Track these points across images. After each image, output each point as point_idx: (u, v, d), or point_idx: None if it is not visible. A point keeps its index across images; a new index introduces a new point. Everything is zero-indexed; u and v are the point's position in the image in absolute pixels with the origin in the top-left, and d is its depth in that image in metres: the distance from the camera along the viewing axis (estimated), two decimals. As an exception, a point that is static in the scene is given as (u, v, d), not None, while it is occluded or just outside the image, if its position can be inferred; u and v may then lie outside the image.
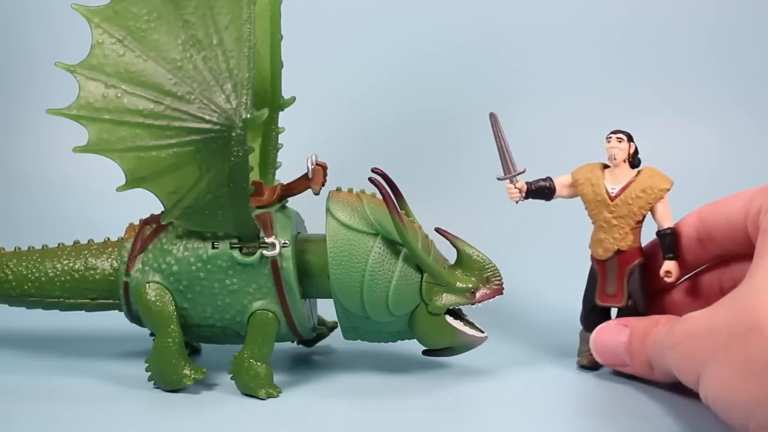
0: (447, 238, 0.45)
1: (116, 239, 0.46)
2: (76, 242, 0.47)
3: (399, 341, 0.45)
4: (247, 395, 0.42)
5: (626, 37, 0.76)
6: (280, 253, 0.42)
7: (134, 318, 0.45)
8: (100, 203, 0.67)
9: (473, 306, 0.44)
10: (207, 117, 0.40)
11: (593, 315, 0.47)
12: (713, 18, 0.76)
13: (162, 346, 0.42)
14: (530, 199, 0.48)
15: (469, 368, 0.47)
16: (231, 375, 0.42)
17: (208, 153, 0.40)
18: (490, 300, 0.44)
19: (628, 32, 0.76)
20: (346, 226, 0.43)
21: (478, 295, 0.44)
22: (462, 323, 0.44)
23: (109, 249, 0.46)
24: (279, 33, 0.47)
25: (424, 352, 0.46)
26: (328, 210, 0.43)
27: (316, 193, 0.44)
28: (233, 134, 0.39)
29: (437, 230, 0.45)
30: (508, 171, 0.47)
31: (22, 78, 0.76)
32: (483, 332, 0.44)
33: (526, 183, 0.47)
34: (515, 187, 0.47)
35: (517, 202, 0.48)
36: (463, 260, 0.44)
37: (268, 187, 0.45)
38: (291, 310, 0.43)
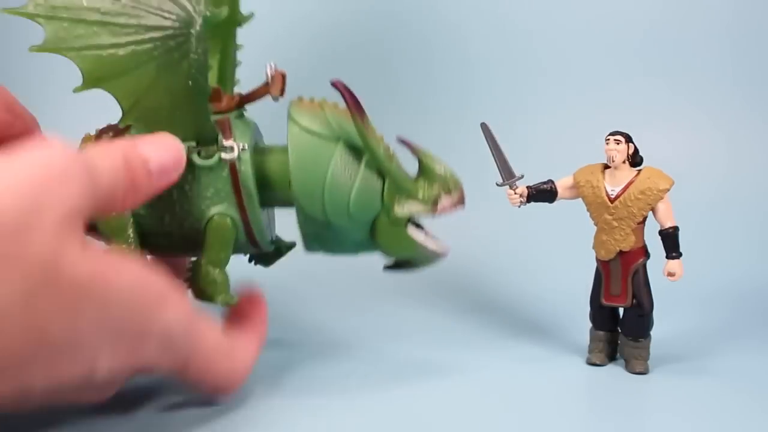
0: (409, 148, 0.46)
1: None
2: None
3: (361, 253, 0.47)
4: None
5: (631, 36, 0.78)
6: (238, 157, 0.43)
7: (90, 229, 0.44)
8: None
9: (434, 217, 0.45)
10: (166, 15, 0.40)
11: (601, 314, 0.50)
12: (717, 17, 0.78)
13: (118, 249, 0.42)
14: (533, 202, 0.51)
15: (474, 365, 0.49)
16: (186, 282, 0.44)
17: (167, 50, 0.41)
18: (452, 211, 0.45)
19: (634, 31, 0.78)
20: (308, 131, 0.44)
21: (439, 205, 0.45)
22: (423, 235, 0.46)
23: None
24: None
25: (385, 268, 0.48)
26: (289, 116, 0.45)
27: (276, 99, 0.45)
28: (192, 31, 0.40)
29: (399, 140, 0.46)
30: (507, 177, 0.50)
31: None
32: (443, 248, 0.46)
33: (527, 187, 0.50)
34: (515, 193, 0.50)
35: (519, 206, 0.51)
36: (425, 171, 0.45)
37: (227, 95, 0.47)
38: (249, 216, 0.44)
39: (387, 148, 0.45)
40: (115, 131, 0.45)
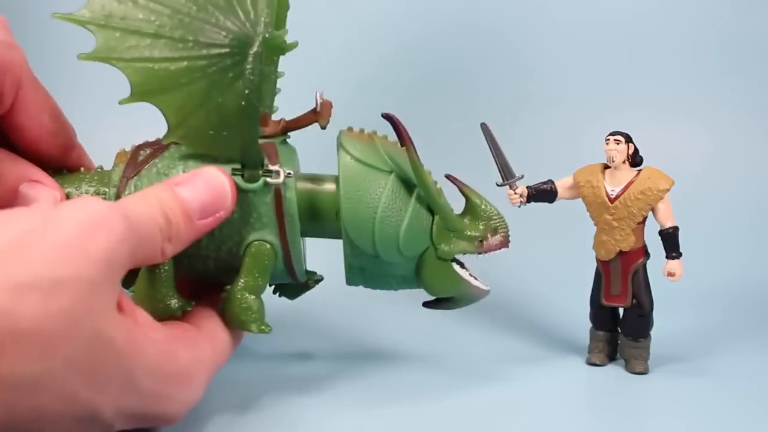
0: (456, 185, 0.46)
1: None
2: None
3: (403, 289, 0.47)
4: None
5: (631, 36, 0.79)
6: (284, 183, 0.42)
7: None
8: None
9: (479, 255, 0.46)
10: (225, 32, 0.39)
11: (601, 314, 0.51)
12: (711, 17, 0.79)
13: (151, 272, 0.40)
14: (533, 203, 0.51)
15: (476, 366, 0.50)
16: (221, 308, 0.42)
17: (222, 68, 0.39)
18: (497, 251, 0.46)
19: (634, 31, 0.79)
20: (360, 161, 0.44)
21: (485, 244, 0.45)
22: (467, 273, 0.46)
23: (101, 174, 0.45)
24: None
25: (425, 304, 0.48)
26: (340, 145, 0.44)
27: (323, 127, 0.45)
28: (251, 51, 0.39)
29: (447, 177, 0.46)
30: (507, 177, 0.51)
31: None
32: (486, 286, 0.46)
33: (527, 187, 0.51)
34: (515, 193, 0.50)
35: (519, 207, 0.51)
36: (471, 209, 0.46)
37: (272, 120, 0.45)
38: (290, 245, 0.43)
39: (435, 184, 0.45)
40: (152, 148, 0.44)
